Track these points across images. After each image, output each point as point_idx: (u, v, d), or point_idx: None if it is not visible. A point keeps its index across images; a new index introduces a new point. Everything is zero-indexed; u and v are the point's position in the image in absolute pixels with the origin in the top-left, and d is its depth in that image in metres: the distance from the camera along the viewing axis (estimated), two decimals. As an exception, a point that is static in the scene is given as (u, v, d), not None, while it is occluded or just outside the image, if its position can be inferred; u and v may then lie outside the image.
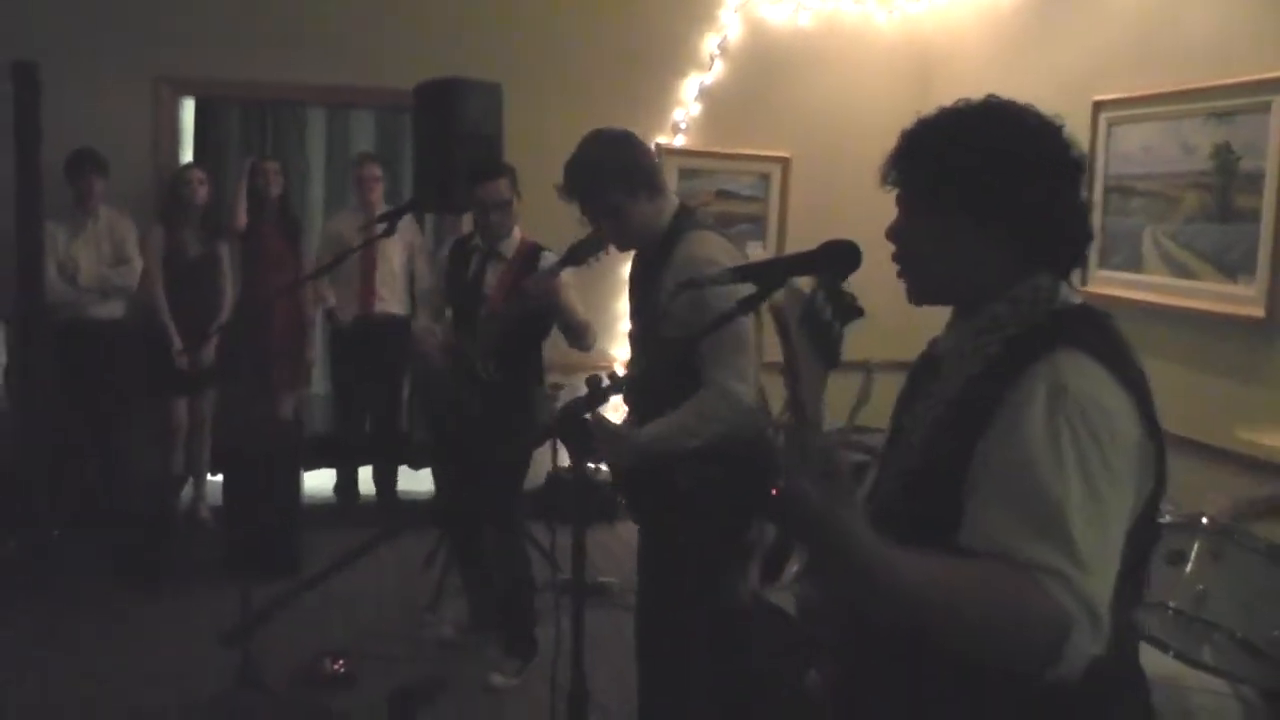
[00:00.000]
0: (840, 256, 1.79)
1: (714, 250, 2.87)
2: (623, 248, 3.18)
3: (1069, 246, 1.60)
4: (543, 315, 4.16)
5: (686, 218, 3.01)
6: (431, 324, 4.44)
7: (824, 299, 1.54)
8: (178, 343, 5.67)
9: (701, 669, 3.12)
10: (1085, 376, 1.45)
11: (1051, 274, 1.58)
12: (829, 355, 1.52)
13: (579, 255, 3.61)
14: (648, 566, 3.21)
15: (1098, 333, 1.53)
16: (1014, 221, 1.54)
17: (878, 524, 1.54)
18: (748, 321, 2.73)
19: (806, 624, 1.72)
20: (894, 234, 1.64)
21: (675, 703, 3.17)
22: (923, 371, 1.73)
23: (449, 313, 4.45)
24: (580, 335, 4.21)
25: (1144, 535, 1.51)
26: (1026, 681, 1.35)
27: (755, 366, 2.85)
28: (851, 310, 1.57)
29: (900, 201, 1.64)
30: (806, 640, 3.70)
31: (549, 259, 4.13)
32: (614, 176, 2.95)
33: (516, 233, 4.32)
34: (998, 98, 1.61)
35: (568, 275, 4.11)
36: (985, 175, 1.53)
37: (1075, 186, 1.57)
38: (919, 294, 1.65)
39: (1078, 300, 1.59)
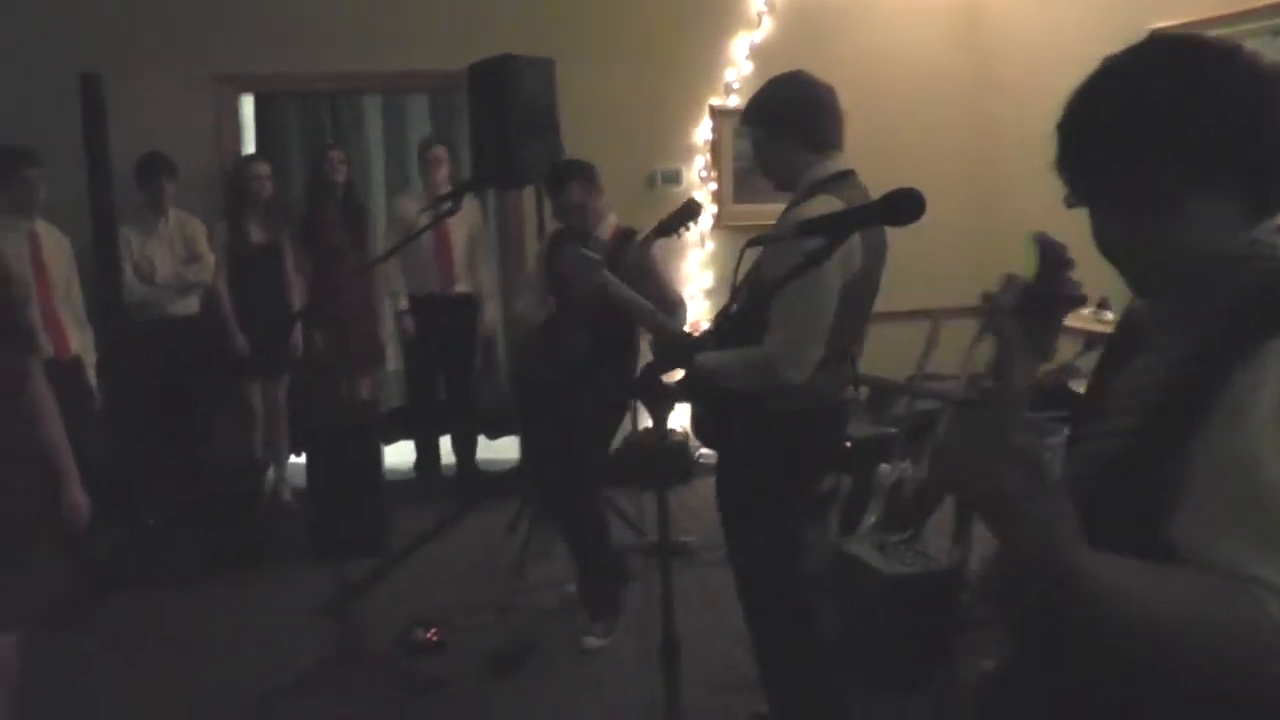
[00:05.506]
0: (904, 205, 1.81)
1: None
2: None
3: None
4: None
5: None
6: (532, 306, 4.58)
7: (1041, 288, 1.42)
8: (239, 337, 5.86)
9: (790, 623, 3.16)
10: None
11: (1261, 225, 1.32)
12: (1042, 348, 1.42)
13: (668, 227, 3.71)
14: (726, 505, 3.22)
15: None
16: (1242, 174, 1.27)
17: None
18: (824, 276, 2.68)
19: (986, 604, 1.63)
20: (1104, 240, 1.35)
21: (775, 651, 3.23)
22: (1124, 340, 1.50)
23: (551, 300, 4.52)
24: (671, 310, 4.26)
25: None
26: (1217, 697, 1.20)
27: (825, 325, 2.80)
28: (1072, 300, 1.43)
29: (1095, 199, 1.35)
30: (897, 593, 3.76)
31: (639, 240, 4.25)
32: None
33: (611, 218, 4.42)
34: (1160, 37, 1.35)
35: (660, 251, 4.23)
36: (1203, 130, 1.25)
37: None
38: (1156, 286, 1.38)
39: None
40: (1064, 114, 1.33)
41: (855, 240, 2.72)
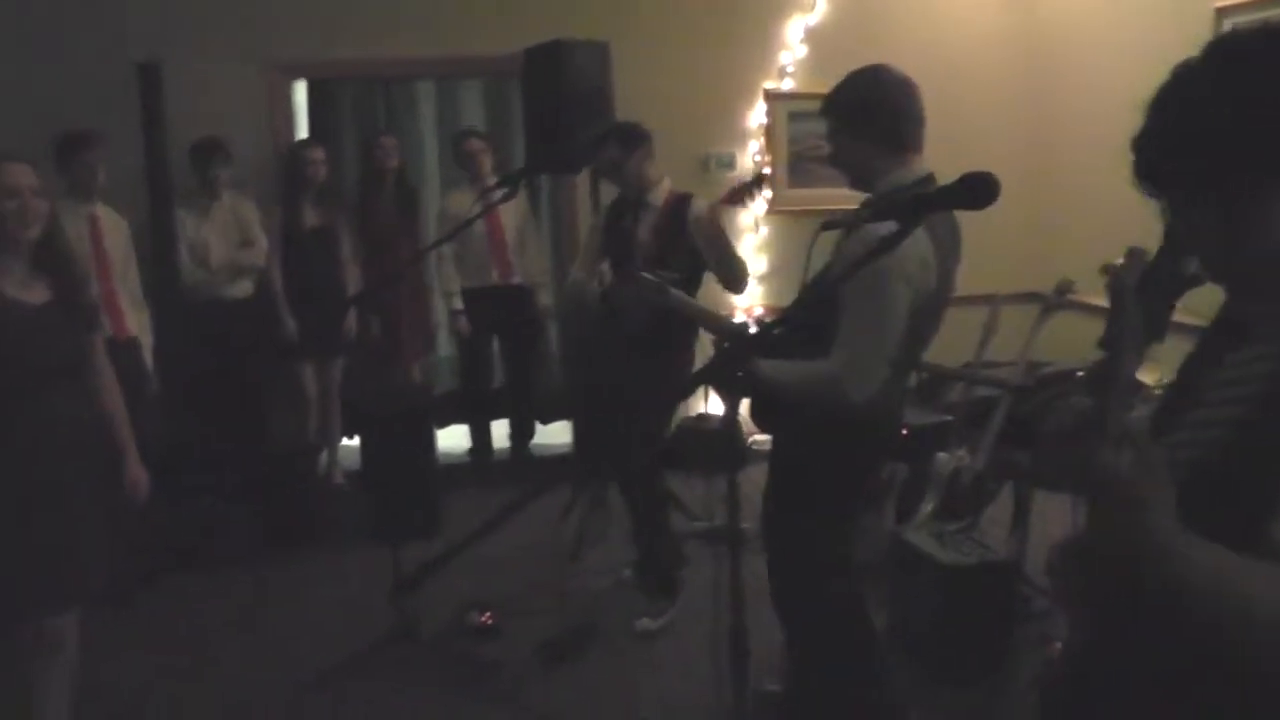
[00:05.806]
0: (979, 189, 1.77)
1: None
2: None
3: None
4: (698, 265, 4.24)
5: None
6: (585, 276, 4.58)
7: (1162, 267, 1.41)
8: (289, 322, 5.89)
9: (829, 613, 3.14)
10: None
11: None
12: (1156, 328, 1.39)
13: (739, 195, 3.68)
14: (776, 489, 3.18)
15: None
16: None
17: None
18: (893, 295, 2.65)
19: (1056, 587, 1.57)
20: (1195, 246, 1.36)
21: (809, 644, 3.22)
22: (1221, 332, 1.46)
23: (605, 267, 4.52)
24: (738, 274, 4.29)
25: None
26: None
27: (891, 345, 2.72)
28: (1193, 280, 1.41)
29: (1179, 208, 1.35)
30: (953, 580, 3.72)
31: (699, 205, 4.29)
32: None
33: (665, 183, 4.42)
34: (1229, 38, 1.31)
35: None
36: (1246, 126, 1.23)
37: None
38: (1251, 288, 1.35)
39: None
40: (1139, 127, 1.31)
41: (928, 253, 2.67)
